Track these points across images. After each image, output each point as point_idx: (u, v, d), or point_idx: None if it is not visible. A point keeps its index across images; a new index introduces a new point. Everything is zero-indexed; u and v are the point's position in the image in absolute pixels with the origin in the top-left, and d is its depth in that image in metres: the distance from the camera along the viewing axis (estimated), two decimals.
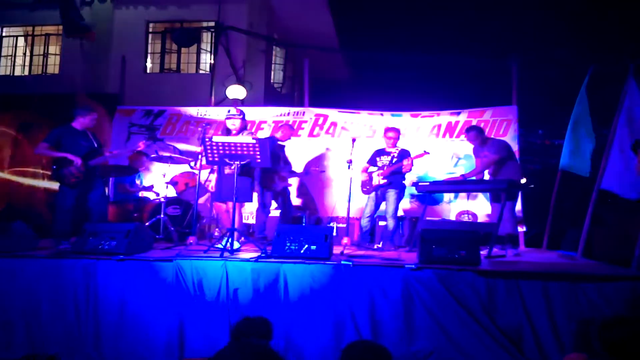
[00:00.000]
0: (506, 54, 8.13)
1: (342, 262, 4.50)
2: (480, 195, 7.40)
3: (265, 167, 5.93)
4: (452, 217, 7.54)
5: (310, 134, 8.19)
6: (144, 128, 8.38)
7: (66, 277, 4.60)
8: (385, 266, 4.52)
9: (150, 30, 12.08)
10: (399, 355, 4.14)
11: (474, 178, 6.43)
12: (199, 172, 6.07)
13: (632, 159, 5.38)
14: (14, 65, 12.42)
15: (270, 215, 6.92)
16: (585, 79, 6.73)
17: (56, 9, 9.97)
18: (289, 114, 8.33)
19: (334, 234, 7.07)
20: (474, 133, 6.52)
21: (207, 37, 11.79)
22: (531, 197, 7.50)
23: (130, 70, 9.46)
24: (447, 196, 7.65)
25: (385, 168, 6.59)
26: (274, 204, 6.94)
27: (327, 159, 8.07)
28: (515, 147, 7.25)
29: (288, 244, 4.80)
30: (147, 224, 6.52)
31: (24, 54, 12.50)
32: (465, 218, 7.45)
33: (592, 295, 4.25)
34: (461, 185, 6.55)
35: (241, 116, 6.05)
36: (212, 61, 11.04)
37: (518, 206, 7.01)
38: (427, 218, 6.77)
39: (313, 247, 4.73)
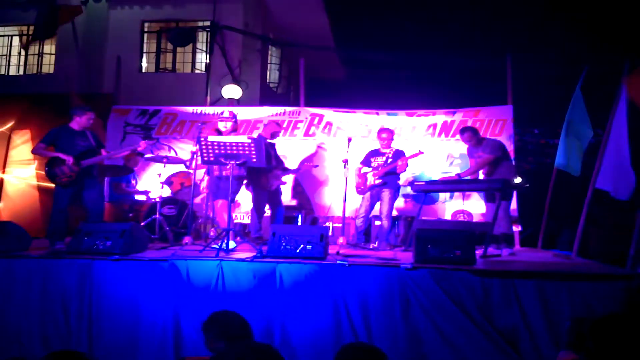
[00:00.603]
0: (501, 54, 8.15)
1: (338, 261, 4.50)
2: (476, 195, 7.41)
3: (258, 167, 5.90)
4: (448, 217, 7.55)
5: (306, 134, 8.18)
6: (139, 128, 8.36)
7: (61, 277, 4.58)
8: (381, 266, 4.52)
9: (146, 29, 12.06)
10: (395, 356, 4.14)
11: (469, 178, 6.45)
12: (194, 172, 6.06)
13: (626, 158, 5.40)
14: (8, 65, 12.38)
15: (265, 215, 6.92)
16: (580, 79, 6.75)
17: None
18: (284, 113, 8.33)
19: (330, 233, 7.07)
20: (469, 134, 6.52)
21: (202, 37, 11.78)
22: (526, 197, 7.51)
23: (126, 70, 9.44)
24: (442, 196, 7.65)
25: (379, 169, 6.59)
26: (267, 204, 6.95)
27: (321, 156, 8.06)
28: (510, 146, 7.26)
29: (284, 244, 4.80)
30: (142, 223, 6.51)
31: (19, 53, 12.47)
32: (461, 218, 7.46)
33: (587, 294, 4.26)
34: (456, 185, 6.56)
35: (233, 119, 6.05)
36: (208, 61, 11.05)
37: (513, 206, 7.03)
38: (423, 218, 6.78)
39: (309, 247, 4.73)
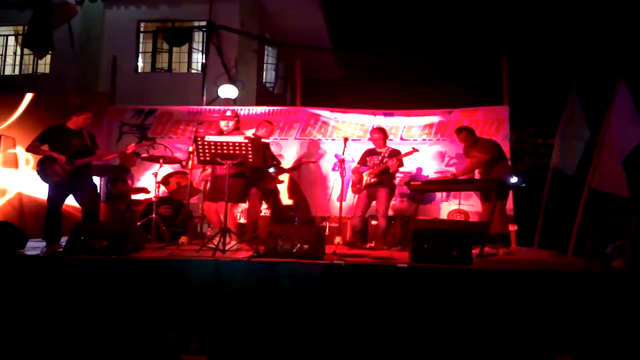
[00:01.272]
0: (497, 54, 8.16)
1: (335, 261, 4.50)
2: (472, 195, 7.42)
3: (254, 167, 5.89)
4: (444, 216, 7.56)
5: (302, 134, 8.18)
6: (135, 127, 8.34)
7: (57, 277, 4.57)
8: (378, 265, 4.52)
9: (142, 29, 12.04)
10: (393, 357, 4.15)
11: (465, 177, 6.46)
12: (191, 172, 6.05)
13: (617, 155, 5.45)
14: (4, 65, 12.34)
15: (261, 214, 6.91)
16: (576, 79, 6.78)
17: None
18: (280, 113, 8.33)
19: (326, 233, 7.07)
20: (465, 133, 6.53)
21: (198, 37, 11.76)
22: (522, 196, 7.52)
23: (122, 70, 9.41)
24: (438, 195, 7.67)
25: (375, 168, 6.60)
26: (264, 204, 6.94)
27: (318, 155, 8.07)
28: (506, 146, 7.27)
29: (280, 244, 4.79)
30: (139, 223, 6.50)
31: (15, 53, 12.43)
32: (457, 217, 7.48)
33: (583, 293, 4.27)
34: (453, 185, 6.58)
35: (236, 118, 6.01)
36: (204, 61, 11.04)
37: (509, 205, 7.03)
38: (419, 217, 6.79)
39: (305, 247, 4.72)
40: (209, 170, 5.98)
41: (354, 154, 7.13)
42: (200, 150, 5.20)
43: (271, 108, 8.51)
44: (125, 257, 4.70)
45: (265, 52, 13.20)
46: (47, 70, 12.05)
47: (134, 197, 7.48)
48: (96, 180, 6.79)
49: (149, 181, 7.40)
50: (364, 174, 6.69)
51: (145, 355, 4.23)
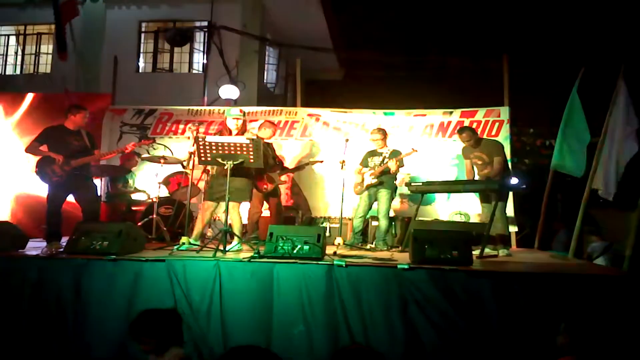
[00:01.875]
0: (499, 55, 8.16)
1: (335, 262, 4.49)
2: (472, 196, 7.41)
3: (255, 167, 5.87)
4: (445, 218, 7.56)
5: (303, 134, 8.19)
6: (135, 127, 8.35)
7: (57, 277, 4.57)
8: (378, 266, 4.52)
9: (143, 29, 12.06)
10: (392, 357, 4.14)
11: (465, 178, 6.45)
12: (192, 172, 6.04)
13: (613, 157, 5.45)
14: (5, 64, 12.35)
15: (262, 215, 6.91)
16: (576, 80, 6.77)
17: (48, 8, 9.89)
18: (281, 113, 8.33)
19: (327, 234, 7.06)
20: (468, 133, 6.48)
21: (200, 37, 11.78)
22: (523, 198, 7.52)
23: (123, 70, 9.42)
24: (439, 196, 7.66)
25: (376, 168, 6.60)
26: (265, 204, 6.93)
27: (318, 153, 8.07)
28: (507, 147, 7.27)
29: (281, 244, 4.78)
30: (139, 224, 6.50)
31: (16, 52, 12.44)
32: (458, 218, 7.47)
33: (584, 295, 4.26)
34: (453, 186, 6.57)
35: (244, 117, 5.96)
36: (205, 61, 11.04)
37: (510, 206, 7.03)
38: (420, 218, 6.79)
39: (306, 247, 4.71)
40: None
41: (354, 154, 7.13)
42: (202, 151, 5.20)
43: (272, 108, 8.51)
44: (125, 257, 4.70)
45: (267, 53, 13.20)
46: (48, 70, 12.06)
47: (135, 197, 7.48)
48: (96, 180, 6.80)
49: (150, 181, 7.39)
50: (364, 175, 6.69)
51: None
